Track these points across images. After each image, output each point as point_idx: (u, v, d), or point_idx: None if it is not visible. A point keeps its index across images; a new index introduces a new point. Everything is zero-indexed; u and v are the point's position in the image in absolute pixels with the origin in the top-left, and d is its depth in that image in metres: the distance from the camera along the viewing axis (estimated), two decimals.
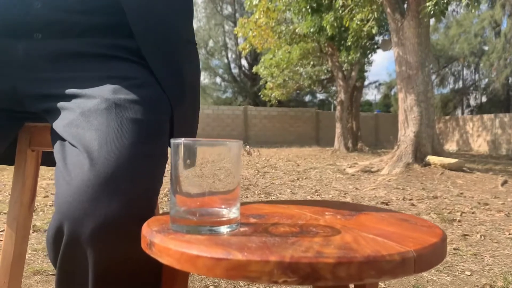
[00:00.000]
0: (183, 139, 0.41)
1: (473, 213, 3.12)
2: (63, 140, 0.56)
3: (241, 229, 0.42)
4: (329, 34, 8.14)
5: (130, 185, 0.48)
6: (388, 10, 5.95)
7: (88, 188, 0.47)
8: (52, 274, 1.81)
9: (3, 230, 2.49)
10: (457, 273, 1.84)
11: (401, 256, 0.34)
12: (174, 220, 0.42)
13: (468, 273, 1.85)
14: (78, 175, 0.48)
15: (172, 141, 0.42)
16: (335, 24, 7.65)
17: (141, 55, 0.66)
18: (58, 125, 0.58)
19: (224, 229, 0.41)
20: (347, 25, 7.55)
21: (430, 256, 0.36)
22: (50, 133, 0.62)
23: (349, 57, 9.49)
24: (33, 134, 0.80)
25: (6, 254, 0.80)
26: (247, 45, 10.62)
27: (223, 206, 0.41)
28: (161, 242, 0.37)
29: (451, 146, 14.09)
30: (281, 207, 0.57)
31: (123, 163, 0.49)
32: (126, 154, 0.50)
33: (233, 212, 0.42)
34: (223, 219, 0.41)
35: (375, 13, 6.90)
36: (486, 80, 19.31)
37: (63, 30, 0.63)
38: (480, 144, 13.21)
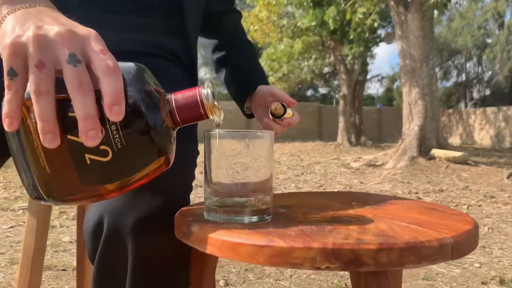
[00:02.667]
0: (217, 130, 0.41)
1: (479, 206, 3.12)
2: None
3: (274, 219, 0.43)
4: (332, 27, 8.11)
5: (170, 177, 0.49)
6: (392, 3, 5.92)
7: None
8: (62, 270, 1.82)
9: (11, 227, 2.51)
10: (466, 266, 1.85)
11: (439, 242, 0.34)
12: (209, 210, 0.42)
13: (477, 265, 1.85)
14: None
15: (206, 132, 0.42)
16: (338, 18, 7.62)
17: (174, 53, 0.68)
18: None
19: (259, 218, 0.42)
20: (348, 18, 7.51)
21: (466, 243, 0.37)
22: None
23: (352, 50, 9.45)
24: None
25: (27, 248, 0.81)
26: None
27: (257, 196, 0.42)
28: (200, 231, 0.38)
29: (454, 140, 14.06)
30: (305, 198, 0.58)
31: None
32: None
33: (266, 202, 0.42)
34: (257, 208, 0.42)
35: (377, 7, 6.87)
36: (490, 72, 19.23)
37: (99, 29, 0.64)
38: (483, 138, 13.18)
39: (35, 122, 0.35)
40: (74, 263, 1.86)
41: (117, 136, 0.36)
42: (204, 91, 0.39)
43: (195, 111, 0.39)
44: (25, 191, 3.51)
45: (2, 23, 0.37)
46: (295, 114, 0.71)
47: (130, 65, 0.39)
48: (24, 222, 2.60)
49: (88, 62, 0.35)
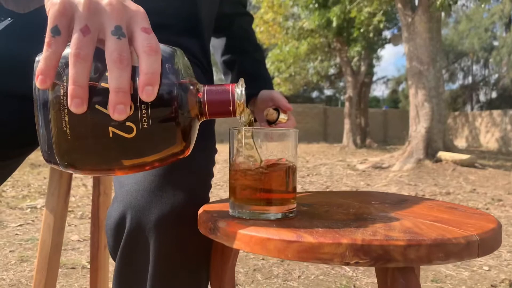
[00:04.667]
0: (243, 127, 0.42)
1: (487, 209, 3.10)
2: None
3: (298, 216, 0.43)
4: (335, 24, 8.10)
5: (192, 175, 0.50)
6: (399, 5, 5.91)
7: (154, 177, 0.49)
8: (72, 268, 1.84)
9: (19, 225, 2.53)
10: (475, 268, 1.84)
11: (466, 239, 0.35)
12: (234, 206, 0.43)
13: (486, 268, 1.84)
14: None
15: (232, 129, 0.43)
16: (342, 16, 7.63)
17: (191, 52, 0.69)
18: None
19: (284, 215, 0.42)
20: (353, 16, 7.50)
21: (491, 241, 0.37)
22: None
23: (355, 49, 9.45)
24: None
25: (45, 245, 0.82)
26: None
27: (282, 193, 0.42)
28: (227, 226, 0.39)
29: (460, 143, 13.97)
30: (324, 196, 0.58)
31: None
32: None
33: (291, 199, 0.43)
34: (283, 205, 0.42)
35: (383, 7, 6.87)
36: (496, 75, 19.12)
37: None
38: (488, 140, 13.09)
39: (67, 85, 0.35)
40: (83, 262, 1.87)
41: (145, 115, 0.36)
42: (238, 90, 0.39)
43: (224, 108, 0.39)
44: (32, 190, 3.51)
45: None
46: (291, 119, 0.71)
47: (170, 49, 0.39)
48: (32, 221, 2.63)
49: (131, 38, 0.35)
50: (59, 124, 0.36)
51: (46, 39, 0.34)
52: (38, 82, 0.33)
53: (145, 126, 0.36)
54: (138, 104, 0.35)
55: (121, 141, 0.36)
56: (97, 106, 0.35)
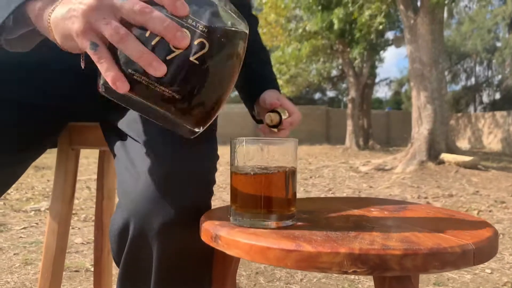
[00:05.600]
0: (244, 138, 0.43)
1: (490, 211, 3.09)
2: (124, 135, 0.59)
3: (298, 224, 0.44)
4: (337, 27, 8.11)
5: (194, 181, 0.51)
6: (401, 7, 5.91)
7: (156, 186, 0.50)
8: (75, 271, 1.85)
9: (23, 228, 2.55)
10: (477, 271, 1.84)
11: (461, 248, 0.36)
12: (235, 214, 0.44)
13: (489, 271, 1.84)
14: (144, 171, 0.50)
15: (232, 138, 0.44)
16: (344, 18, 7.66)
17: None
18: (122, 122, 0.61)
19: (285, 223, 0.43)
20: (354, 17, 7.53)
21: (487, 249, 0.38)
22: (103, 130, 0.65)
23: (356, 51, 9.46)
24: (73, 133, 0.83)
25: (49, 249, 0.83)
26: None
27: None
28: (228, 235, 0.39)
29: (462, 144, 13.92)
30: (324, 203, 0.59)
31: (187, 158, 0.52)
32: (189, 150, 0.53)
33: (291, 207, 0.44)
34: (283, 214, 0.43)
35: (384, 8, 6.88)
36: (499, 76, 19.06)
37: None
38: (491, 142, 13.04)
39: (134, 70, 0.37)
40: (87, 265, 1.88)
41: (197, 24, 0.37)
42: None
43: None
44: (36, 192, 3.52)
45: (49, 24, 0.40)
46: (296, 112, 0.71)
47: None
48: (36, 223, 2.64)
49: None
50: (163, 98, 0.37)
51: (93, 57, 0.37)
52: (119, 89, 0.36)
53: (206, 29, 0.37)
54: (186, 24, 0.37)
55: (206, 58, 0.38)
56: (168, 58, 0.37)
